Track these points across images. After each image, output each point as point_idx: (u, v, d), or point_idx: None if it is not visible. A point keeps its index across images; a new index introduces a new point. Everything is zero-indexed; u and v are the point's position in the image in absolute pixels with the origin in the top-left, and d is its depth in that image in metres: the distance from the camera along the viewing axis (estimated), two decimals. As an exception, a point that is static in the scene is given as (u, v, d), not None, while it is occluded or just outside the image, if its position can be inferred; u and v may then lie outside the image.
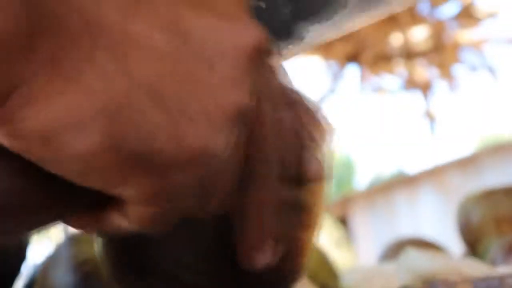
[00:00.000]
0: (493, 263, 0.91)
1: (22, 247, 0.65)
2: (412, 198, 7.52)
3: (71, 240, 0.61)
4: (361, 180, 11.87)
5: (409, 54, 3.94)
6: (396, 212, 7.71)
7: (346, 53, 3.99)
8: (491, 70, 3.94)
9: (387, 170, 11.06)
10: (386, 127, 4.52)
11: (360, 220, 8.29)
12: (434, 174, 7.06)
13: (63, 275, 0.62)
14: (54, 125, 0.21)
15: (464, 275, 0.71)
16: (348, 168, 13.36)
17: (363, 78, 4.22)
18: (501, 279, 0.56)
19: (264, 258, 0.32)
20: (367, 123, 4.72)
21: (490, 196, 0.97)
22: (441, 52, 3.84)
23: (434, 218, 7.29)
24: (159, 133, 0.23)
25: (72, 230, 0.58)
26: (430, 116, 4.56)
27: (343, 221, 8.89)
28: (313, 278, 0.89)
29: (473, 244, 0.97)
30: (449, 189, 7.10)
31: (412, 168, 10.03)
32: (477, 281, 0.57)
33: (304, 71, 4.26)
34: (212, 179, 0.25)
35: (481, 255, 0.95)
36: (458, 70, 4.04)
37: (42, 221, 0.28)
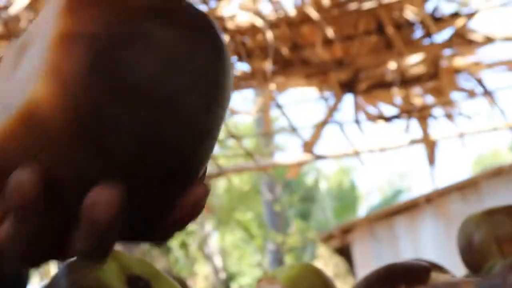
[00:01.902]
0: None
1: (23, 276, 0.64)
2: (413, 224, 7.50)
3: (68, 267, 0.60)
4: (363, 208, 11.85)
5: (405, 82, 3.95)
6: (397, 239, 7.69)
7: (341, 82, 4.00)
8: (488, 95, 3.95)
9: (388, 196, 11.06)
10: (384, 154, 4.52)
11: (361, 248, 8.25)
12: (434, 199, 7.04)
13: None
14: None
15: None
16: (350, 196, 13.35)
17: (358, 106, 4.22)
18: (504, 277, 0.55)
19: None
20: (366, 151, 4.71)
21: (491, 216, 0.96)
22: (438, 78, 3.85)
23: (435, 243, 7.25)
24: None
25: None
26: (427, 143, 4.55)
27: (345, 249, 8.84)
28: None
29: (476, 266, 0.96)
30: (450, 214, 7.08)
31: (412, 193, 10.01)
32: (479, 282, 0.56)
33: (299, 102, 4.26)
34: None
35: (485, 276, 0.94)
36: (455, 96, 4.05)
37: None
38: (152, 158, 0.36)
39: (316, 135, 4.54)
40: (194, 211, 0.39)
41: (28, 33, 0.39)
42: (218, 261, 12.98)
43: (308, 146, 4.59)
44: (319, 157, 4.82)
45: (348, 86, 4.05)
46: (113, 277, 0.62)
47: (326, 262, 10.14)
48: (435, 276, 0.88)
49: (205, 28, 0.39)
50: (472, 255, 0.98)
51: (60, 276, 0.59)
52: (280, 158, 5.31)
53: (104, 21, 0.36)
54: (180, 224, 0.40)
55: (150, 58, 0.36)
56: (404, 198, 9.80)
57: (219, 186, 11.52)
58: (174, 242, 11.25)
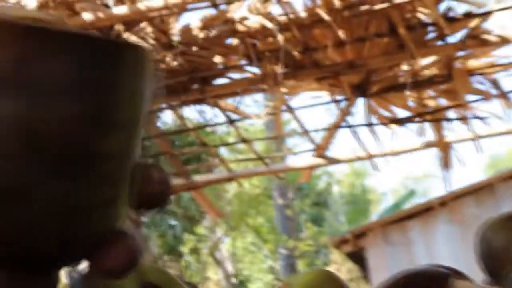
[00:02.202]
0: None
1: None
2: (427, 227, 7.42)
3: (85, 275, 0.63)
4: (376, 212, 11.78)
5: (418, 84, 3.89)
6: (412, 243, 7.61)
7: (352, 85, 3.95)
8: (503, 96, 3.88)
9: (401, 200, 10.97)
10: (398, 158, 4.46)
11: (375, 252, 8.18)
12: (449, 202, 6.97)
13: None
14: None
15: None
16: (363, 200, 13.28)
17: (371, 109, 4.17)
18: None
19: None
20: (379, 155, 4.67)
21: (509, 222, 0.96)
22: (452, 80, 3.79)
23: (449, 247, 7.16)
24: None
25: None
26: (441, 145, 4.49)
27: (359, 254, 8.77)
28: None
29: (494, 271, 0.94)
30: (464, 218, 7.00)
31: (426, 197, 9.94)
32: None
33: (310, 105, 4.21)
34: None
35: (503, 282, 0.93)
36: (469, 98, 3.99)
37: None
38: None
39: (328, 139, 4.49)
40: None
41: None
42: (229, 266, 12.94)
43: (320, 150, 4.54)
44: (331, 161, 4.77)
45: (360, 89, 3.99)
46: (129, 284, 0.65)
47: (339, 267, 10.09)
48: (455, 283, 0.83)
49: None
50: (491, 261, 0.95)
51: (78, 282, 0.61)
52: (292, 162, 5.26)
53: None
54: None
55: None
56: (418, 201, 9.72)
57: (229, 191, 11.48)
58: (185, 248, 11.24)
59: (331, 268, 10.04)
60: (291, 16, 3.41)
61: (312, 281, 0.87)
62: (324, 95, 4.11)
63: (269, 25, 3.38)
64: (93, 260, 0.44)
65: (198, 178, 4.89)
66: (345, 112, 4.19)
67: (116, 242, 0.42)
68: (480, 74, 3.86)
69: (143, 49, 0.43)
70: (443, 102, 4.12)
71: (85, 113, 0.40)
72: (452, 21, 3.49)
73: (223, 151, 8.46)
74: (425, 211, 7.35)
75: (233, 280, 12.84)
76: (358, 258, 9.24)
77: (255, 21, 3.44)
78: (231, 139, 7.55)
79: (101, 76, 0.40)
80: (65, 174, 0.39)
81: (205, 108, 4.67)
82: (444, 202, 7.01)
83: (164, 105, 4.05)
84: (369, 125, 4.22)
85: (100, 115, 0.40)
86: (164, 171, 0.47)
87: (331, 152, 4.63)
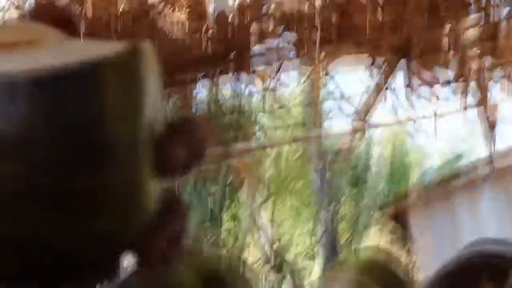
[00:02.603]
0: None
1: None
2: (471, 189, 7.31)
3: (141, 270, 0.63)
4: (417, 174, 11.68)
5: (461, 44, 3.79)
6: (454, 205, 7.52)
7: (393, 48, 3.86)
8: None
9: (444, 162, 10.86)
10: (441, 120, 4.38)
11: (417, 215, 8.13)
12: (494, 163, 6.84)
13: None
14: None
15: None
16: (404, 161, 13.18)
17: (412, 72, 4.08)
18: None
19: None
20: (421, 118, 4.59)
21: None
22: (496, 39, 3.68)
23: (494, 210, 7.06)
24: None
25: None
26: (486, 107, 4.39)
27: (400, 216, 8.73)
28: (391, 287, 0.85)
29: None
30: (511, 180, 6.88)
31: (470, 158, 9.78)
32: None
33: (352, 71, 4.13)
34: None
35: None
36: (514, 57, 3.87)
37: None
38: None
39: (368, 103, 4.42)
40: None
41: None
42: (270, 231, 13.00)
43: (360, 115, 4.47)
44: (372, 126, 4.70)
45: (401, 51, 3.90)
46: (188, 277, 0.66)
47: (379, 229, 10.06)
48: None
49: None
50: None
51: (135, 276, 0.61)
52: (332, 128, 5.20)
53: None
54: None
55: None
56: (463, 164, 9.60)
57: (269, 156, 11.48)
58: (226, 215, 11.32)
59: (372, 230, 10.03)
60: (328, -21, 3.33)
61: (366, 260, 0.84)
62: (364, 59, 4.03)
63: (306, -11, 3.30)
64: (139, 252, 0.43)
65: (237, 146, 4.88)
66: (386, 76, 4.10)
67: (157, 227, 0.41)
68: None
69: (131, 51, 0.38)
70: (488, 62, 4.01)
71: (62, 155, 0.37)
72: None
73: (262, 119, 8.44)
74: (469, 172, 7.24)
75: (274, 245, 12.91)
76: (400, 220, 9.20)
77: (291, -14, 3.36)
78: (269, 107, 7.51)
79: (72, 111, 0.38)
80: (70, 211, 0.37)
81: (242, 77, 4.62)
82: (488, 163, 6.89)
83: (201, 75, 4.02)
84: (411, 87, 4.13)
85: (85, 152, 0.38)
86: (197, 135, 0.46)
87: (371, 117, 4.56)
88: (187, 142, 0.47)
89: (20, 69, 0.35)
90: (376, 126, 4.76)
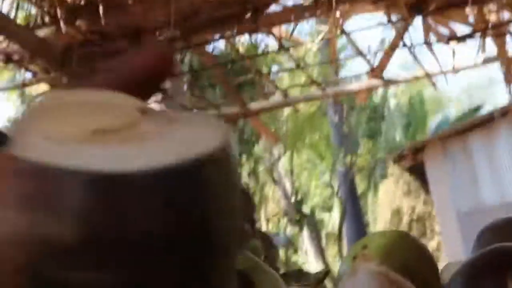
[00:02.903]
0: None
1: None
2: (489, 139, 7.28)
3: None
4: (434, 124, 11.60)
5: (478, -1, 3.75)
6: (472, 155, 7.50)
7: (410, 4, 3.82)
8: None
9: (461, 112, 10.78)
10: (459, 74, 4.35)
11: (434, 165, 8.11)
12: (511, 113, 6.80)
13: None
14: None
15: None
16: (420, 112, 13.08)
17: (429, 28, 4.04)
18: None
19: None
20: (438, 73, 4.56)
21: None
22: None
23: (512, 159, 7.04)
24: None
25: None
26: (504, 60, 4.36)
27: (417, 167, 8.72)
28: (414, 274, 0.86)
29: None
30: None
31: (488, 109, 9.70)
32: None
33: (367, 28, 4.09)
34: None
35: None
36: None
37: None
38: None
39: (385, 60, 4.40)
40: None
41: None
42: (287, 184, 13.06)
43: (377, 71, 4.46)
44: (388, 82, 4.69)
45: (417, 7, 3.86)
46: None
47: (396, 180, 10.05)
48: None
49: None
50: None
51: None
52: (349, 84, 5.18)
53: None
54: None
55: None
56: (479, 113, 9.52)
57: (285, 111, 11.47)
58: (243, 169, 11.36)
59: (388, 182, 10.03)
60: None
61: (388, 245, 0.85)
62: (380, 16, 4.00)
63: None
64: None
65: (253, 105, 4.88)
66: (402, 32, 4.08)
67: None
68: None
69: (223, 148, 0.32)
70: (506, 15, 3.97)
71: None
72: None
73: (278, 78, 8.39)
74: (487, 122, 7.19)
75: (292, 197, 12.98)
76: (417, 171, 9.19)
77: None
78: (285, 66, 7.46)
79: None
80: None
81: (259, 36, 4.61)
82: (506, 113, 6.85)
83: (218, 36, 4.01)
84: (428, 43, 4.11)
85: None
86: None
87: (388, 73, 4.55)
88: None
89: (145, 165, 0.30)
90: (392, 83, 4.74)
